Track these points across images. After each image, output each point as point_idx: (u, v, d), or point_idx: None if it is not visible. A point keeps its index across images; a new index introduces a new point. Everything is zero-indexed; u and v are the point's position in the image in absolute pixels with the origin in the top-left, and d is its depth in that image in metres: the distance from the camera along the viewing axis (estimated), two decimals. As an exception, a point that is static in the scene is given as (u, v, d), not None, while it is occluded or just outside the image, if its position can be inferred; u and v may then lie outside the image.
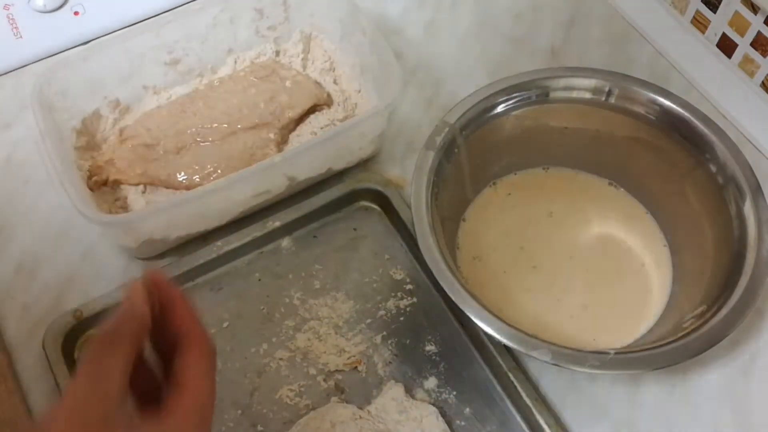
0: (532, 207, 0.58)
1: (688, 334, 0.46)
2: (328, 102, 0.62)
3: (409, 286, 0.55)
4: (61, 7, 0.68)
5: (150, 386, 0.37)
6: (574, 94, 0.56)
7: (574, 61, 0.68)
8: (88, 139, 0.58)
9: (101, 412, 0.32)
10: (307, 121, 0.61)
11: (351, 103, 0.62)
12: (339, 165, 0.58)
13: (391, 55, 0.56)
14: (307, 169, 0.56)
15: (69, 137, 0.57)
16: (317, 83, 0.62)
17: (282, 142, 0.59)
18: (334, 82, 0.63)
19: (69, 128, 0.58)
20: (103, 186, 0.57)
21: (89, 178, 0.57)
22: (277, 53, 0.64)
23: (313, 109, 0.61)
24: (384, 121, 0.57)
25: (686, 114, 0.54)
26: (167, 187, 0.57)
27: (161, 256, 0.56)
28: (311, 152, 0.54)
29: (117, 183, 0.57)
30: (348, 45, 0.62)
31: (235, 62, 0.63)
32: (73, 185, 0.51)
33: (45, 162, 0.52)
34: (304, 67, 0.64)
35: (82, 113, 0.58)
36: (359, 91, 0.61)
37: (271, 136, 0.58)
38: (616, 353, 0.46)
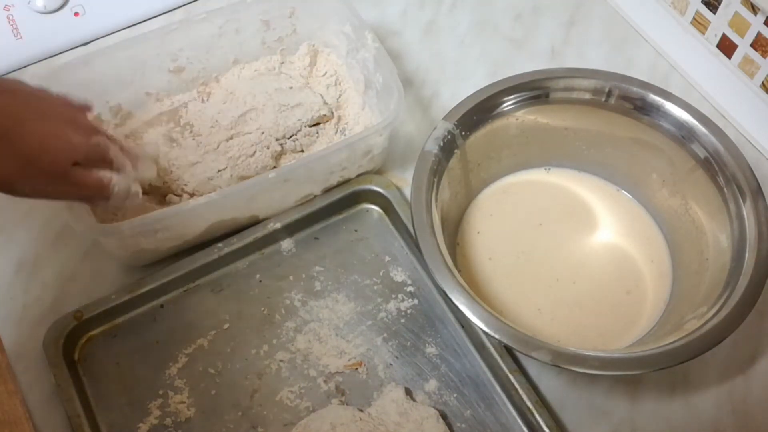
0: (532, 207, 0.58)
1: (688, 334, 0.46)
2: (329, 117, 0.61)
3: (409, 288, 0.55)
4: (61, 8, 0.68)
5: None
6: (575, 95, 0.56)
7: (574, 61, 0.68)
8: None
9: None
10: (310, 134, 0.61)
11: (353, 119, 0.61)
12: (335, 182, 0.58)
13: (395, 74, 0.56)
14: (301, 186, 0.56)
15: None
16: (321, 97, 0.62)
17: (281, 153, 0.59)
18: (339, 96, 0.63)
19: None
20: None
21: None
22: (282, 64, 0.64)
23: (315, 123, 0.61)
24: (383, 141, 0.57)
25: (686, 115, 0.54)
26: (164, 196, 0.57)
27: (158, 263, 0.55)
28: (306, 169, 0.54)
29: None
30: (353, 61, 0.61)
31: (241, 72, 0.63)
32: None
33: None
34: (309, 79, 0.64)
35: None
36: (363, 108, 0.61)
37: (269, 147, 0.58)
38: (616, 354, 0.46)
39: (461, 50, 0.69)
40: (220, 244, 0.55)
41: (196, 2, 0.71)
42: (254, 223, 0.56)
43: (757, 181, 0.51)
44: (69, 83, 0.56)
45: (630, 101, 0.56)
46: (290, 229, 0.57)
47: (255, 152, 0.58)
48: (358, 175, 0.58)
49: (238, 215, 0.55)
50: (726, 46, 0.65)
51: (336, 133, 0.61)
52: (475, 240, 0.57)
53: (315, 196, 0.57)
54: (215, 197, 0.51)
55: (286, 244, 0.57)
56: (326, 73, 0.63)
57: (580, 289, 0.55)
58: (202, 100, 0.61)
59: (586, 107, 0.57)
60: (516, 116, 0.56)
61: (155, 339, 0.53)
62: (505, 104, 0.56)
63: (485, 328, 0.46)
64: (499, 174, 0.59)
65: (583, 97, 0.56)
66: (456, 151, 0.54)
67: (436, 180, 0.52)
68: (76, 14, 0.68)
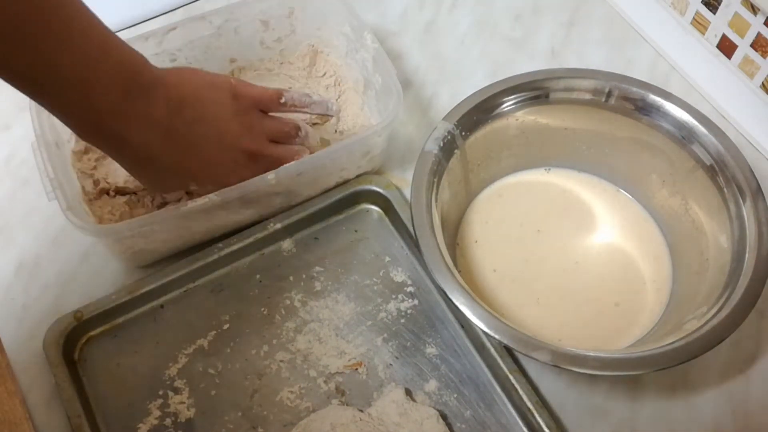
0: (531, 208, 0.58)
1: (688, 335, 0.46)
2: (328, 117, 0.61)
3: (409, 288, 0.55)
4: (60, 8, 0.68)
5: None
6: (575, 95, 0.56)
7: (574, 62, 0.68)
8: (87, 144, 0.58)
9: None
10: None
11: (352, 119, 0.61)
12: (334, 183, 0.58)
13: (393, 75, 0.56)
14: (300, 187, 0.56)
15: (68, 141, 0.57)
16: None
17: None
18: (338, 97, 0.62)
19: (68, 132, 0.57)
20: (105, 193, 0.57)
21: (95, 184, 0.56)
22: (282, 65, 0.64)
23: (314, 123, 0.61)
24: (382, 141, 0.57)
25: (686, 115, 0.54)
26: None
27: (158, 264, 0.55)
28: (305, 171, 0.54)
29: (120, 191, 0.57)
30: (352, 61, 0.61)
31: (240, 72, 0.63)
32: (63, 190, 0.51)
33: (38, 166, 0.52)
34: (308, 80, 0.64)
35: None
36: (362, 109, 0.61)
37: None
38: (616, 355, 0.46)
39: (461, 50, 0.69)
40: (220, 245, 0.55)
41: (195, 2, 0.71)
42: (254, 223, 0.56)
43: (757, 181, 0.51)
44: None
45: (630, 101, 0.56)
46: (290, 230, 0.57)
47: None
48: (357, 176, 0.58)
49: (237, 216, 0.55)
50: (726, 47, 0.65)
51: (335, 132, 0.61)
52: (475, 240, 0.57)
53: (315, 197, 0.57)
54: (214, 199, 0.51)
55: (286, 244, 0.57)
56: (325, 73, 0.64)
57: (579, 290, 0.55)
58: None
59: (586, 107, 0.57)
60: (516, 116, 0.56)
61: (155, 339, 0.53)
62: (505, 104, 0.56)
63: (485, 329, 0.46)
64: (499, 174, 0.59)
65: (583, 97, 0.56)
66: (456, 151, 0.54)
67: (436, 180, 0.52)
68: (76, 14, 0.68)
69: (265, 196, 0.55)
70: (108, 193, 0.57)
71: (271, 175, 0.51)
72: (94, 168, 0.57)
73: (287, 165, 0.52)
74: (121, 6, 0.69)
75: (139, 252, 0.54)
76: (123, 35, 0.68)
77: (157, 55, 0.59)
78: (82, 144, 0.58)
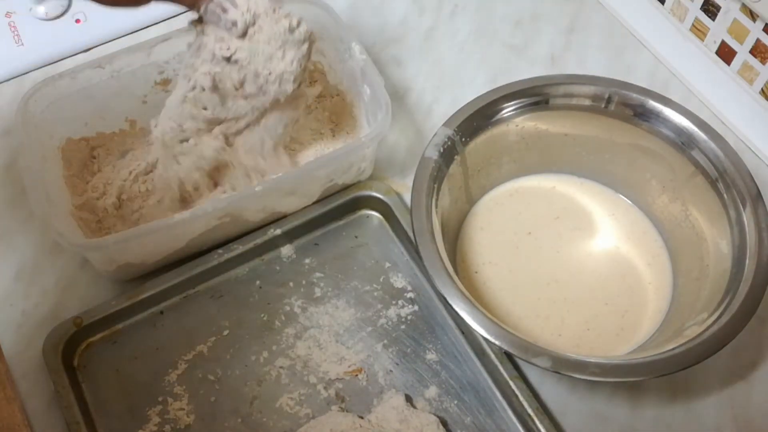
0: (532, 214, 0.58)
1: (689, 341, 0.46)
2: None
3: (410, 294, 0.55)
4: (62, 14, 0.68)
5: None
6: (574, 101, 0.57)
7: (574, 68, 0.68)
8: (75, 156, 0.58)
9: None
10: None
11: (341, 131, 0.61)
12: (322, 194, 0.57)
13: (382, 86, 0.55)
14: (286, 201, 0.56)
15: (54, 155, 0.57)
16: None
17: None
18: (329, 107, 0.62)
19: (53, 147, 0.57)
20: None
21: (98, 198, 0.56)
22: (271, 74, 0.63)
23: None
24: (371, 153, 0.56)
25: (686, 121, 0.54)
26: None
27: (143, 278, 0.54)
28: (292, 182, 0.53)
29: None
30: (342, 72, 0.61)
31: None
32: (51, 203, 0.50)
33: (24, 180, 0.52)
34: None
35: (67, 131, 0.58)
36: (350, 120, 0.61)
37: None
38: (616, 361, 0.46)
39: (461, 57, 0.69)
40: (220, 250, 0.55)
41: (186, 13, 0.71)
42: (242, 234, 0.56)
43: (757, 187, 0.51)
44: (54, 97, 0.56)
45: (630, 107, 0.56)
46: (290, 236, 0.57)
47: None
48: (346, 187, 0.58)
49: (225, 228, 0.55)
50: (725, 53, 0.65)
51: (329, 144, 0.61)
52: (475, 246, 0.57)
53: (314, 203, 0.57)
54: (198, 212, 0.50)
55: (286, 250, 0.57)
56: (314, 84, 0.63)
57: (579, 296, 0.54)
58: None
59: (585, 113, 0.57)
60: (516, 122, 0.57)
61: (155, 345, 0.53)
62: (505, 110, 0.56)
63: (486, 335, 0.46)
64: (499, 180, 0.59)
65: (582, 103, 0.56)
66: (456, 157, 0.54)
67: (436, 186, 0.52)
68: (77, 21, 0.68)
69: (250, 208, 0.54)
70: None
71: (258, 187, 0.51)
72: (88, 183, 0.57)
73: (273, 177, 0.52)
74: (124, 12, 0.69)
75: (126, 266, 0.53)
76: (126, 41, 0.68)
77: (143, 66, 0.58)
78: (75, 168, 0.58)
